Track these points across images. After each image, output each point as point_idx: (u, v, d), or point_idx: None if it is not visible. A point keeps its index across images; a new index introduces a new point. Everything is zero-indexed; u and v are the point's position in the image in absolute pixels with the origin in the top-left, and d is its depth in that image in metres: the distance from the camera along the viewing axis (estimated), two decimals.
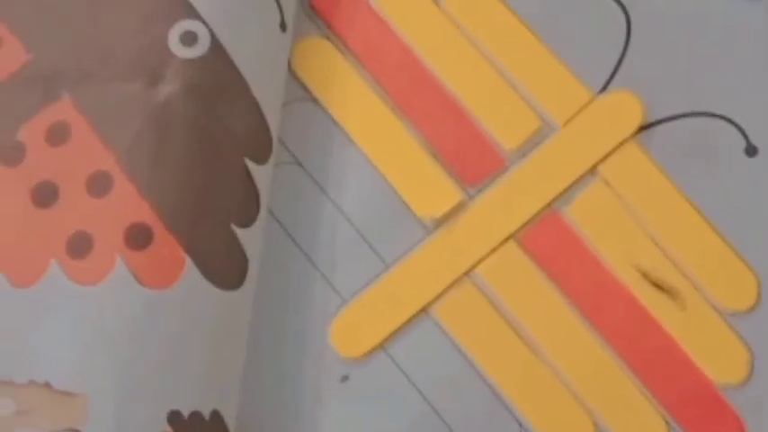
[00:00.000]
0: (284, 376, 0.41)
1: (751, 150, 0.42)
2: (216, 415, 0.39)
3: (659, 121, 0.42)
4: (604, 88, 0.43)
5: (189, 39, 0.40)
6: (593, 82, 0.43)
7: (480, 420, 0.40)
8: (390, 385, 0.40)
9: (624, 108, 0.42)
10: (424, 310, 0.41)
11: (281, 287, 0.41)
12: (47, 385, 0.38)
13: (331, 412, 0.40)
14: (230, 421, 0.39)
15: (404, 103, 0.43)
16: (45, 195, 0.40)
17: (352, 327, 0.41)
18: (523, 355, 0.41)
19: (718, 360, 0.40)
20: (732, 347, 0.40)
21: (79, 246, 0.40)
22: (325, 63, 0.44)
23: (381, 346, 0.41)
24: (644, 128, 0.42)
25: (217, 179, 0.40)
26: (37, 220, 0.40)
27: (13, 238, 0.40)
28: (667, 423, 0.40)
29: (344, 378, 0.41)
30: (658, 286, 0.41)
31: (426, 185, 0.42)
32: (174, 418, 0.38)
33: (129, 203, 0.40)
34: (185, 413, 0.38)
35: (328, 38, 0.44)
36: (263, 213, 0.41)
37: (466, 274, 0.41)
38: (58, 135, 0.41)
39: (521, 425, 0.40)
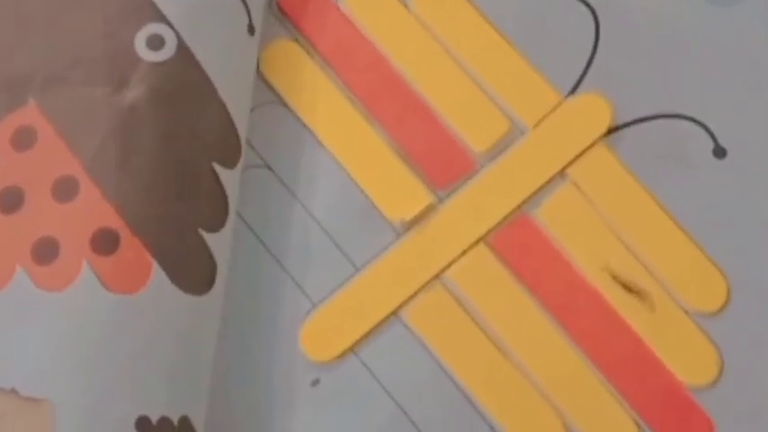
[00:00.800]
0: (254, 380, 0.40)
1: (719, 152, 0.42)
2: (185, 421, 0.38)
3: (628, 124, 0.42)
4: (573, 91, 0.43)
5: (156, 42, 0.40)
6: (563, 84, 0.43)
7: (451, 423, 0.40)
8: (361, 389, 0.40)
9: (593, 110, 0.42)
10: (394, 313, 0.41)
11: (251, 291, 0.41)
12: (13, 392, 0.38)
13: (302, 417, 0.40)
14: (199, 427, 0.39)
15: (373, 106, 0.43)
16: (10, 201, 0.40)
17: (323, 331, 0.41)
18: (494, 357, 0.41)
19: (687, 361, 0.40)
20: (701, 349, 0.40)
21: (45, 251, 0.39)
22: (294, 66, 0.43)
23: (352, 349, 0.41)
24: (613, 130, 0.42)
25: (184, 184, 0.40)
26: (2, 225, 0.40)
27: None
28: (637, 425, 0.40)
29: (315, 382, 0.40)
30: (628, 288, 0.41)
31: (396, 188, 0.42)
32: (142, 424, 0.38)
33: (95, 208, 0.40)
34: (154, 419, 0.38)
35: (297, 40, 0.44)
36: (231, 217, 0.41)
37: (436, 276, 0.41)
38: (23, 140, 0.41)
39: (492, 428, 0.40)
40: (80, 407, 0.38)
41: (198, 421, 0.39)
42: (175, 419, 0.38)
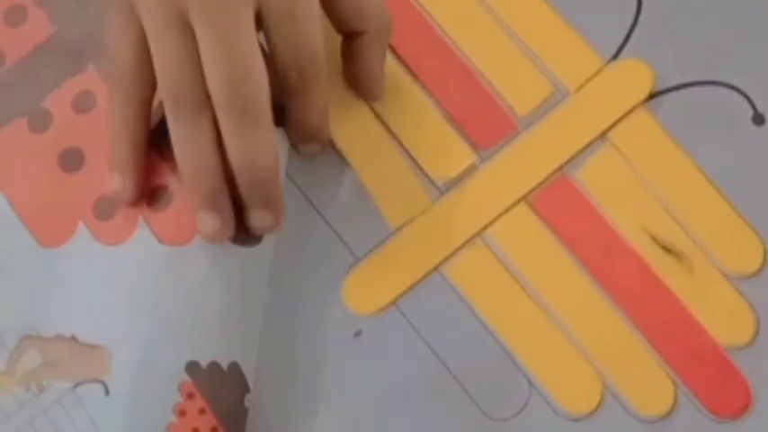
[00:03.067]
0: (300, 331, 0.41)
1: (758, 119, 0.43)
2: (234, 366, 0.40)
3: (669, 90, 0.43)
4: (616, 56, 0.43)
5: None
6: (605, 50, 0.43)
7: (490, 377, 0.41)
8: (403, 341, 0.41)
9: (635, 76, 0.43)
10: (436, 268, 0.42)
11: (297, 245, 0.42)
12: (73, 339, 0.39)
13: (345, 366, 0.41)
14: (249, 374, 0.40)
15: (418, 68, 0.44)
16: (72, 161, 0.42)
17: (366, 284, 0.42)
18: (533, 314, 0.41)
19: (724, 322, 0.41)
20: (738, 309, 0.41)
21: (105, 208, 0.41)
22: None
23: (394, 303, 0.41)
24: (654, 95, 0.43)
25: None
26: (65, 184, 0.41)
27: (42, 200, 0.42)
28: (674, 383, 0.40)
29: (358, 333, 0.41)
30: (667, 249, 0.42)
31: (440, 148, 0.43)
32: (192, 367, 0.39)
33: (151, 167, 0.41)
34: (203, 363, 0.39)
35: None
36: (282, 174, 0.42)
37: (477, 234, 0.42)
38: (83, 103, 0.42)
39: (530, 382, 0.41)
40: (134, 352, 0.39)
41: (248, 367, 0.40)
42: (225, 365, 0.39)
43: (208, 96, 0.38)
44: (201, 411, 0.39)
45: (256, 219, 0.39)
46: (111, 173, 0.40)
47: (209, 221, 0.39)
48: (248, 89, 0.38)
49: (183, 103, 0.38)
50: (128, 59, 0.39)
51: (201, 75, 0.38)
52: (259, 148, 0.38)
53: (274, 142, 0.39)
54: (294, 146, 0.42)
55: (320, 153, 0.42)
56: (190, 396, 0.39)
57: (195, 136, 0.38)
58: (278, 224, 0.40)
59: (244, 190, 0.39)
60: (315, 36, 0.39)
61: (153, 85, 0.40)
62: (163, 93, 0.38)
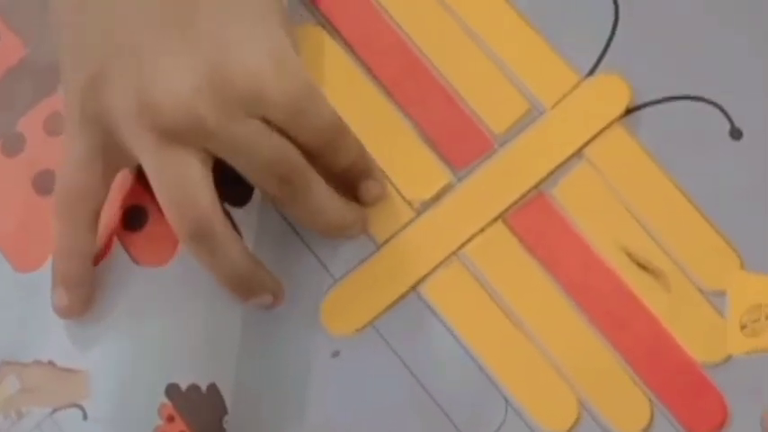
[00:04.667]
0: (277, 352, 0.42)
1: (736, 134, 0.43)
2: (213, 388, 0.40)
3: (646, 104, 0.43)
4: (592, 71, 0.43)
5: None
6: (581, 65, 0.43)
7: (467, 396, 0.41)
8: (380, 362, 0.41)
9: (611, 91, 0.43)
10: (413, 288, 0.42)
11: (274, 266, 0.42)
12: (50, 363, 0.40)
13: (322, 387, 0.41)
14: (227, 395, 0.40)
15: (394, 87, 0.44)
16: (46, 183, 0.42)
17: (343, 305, 0.42)
18: (510, 333, 0.41)
19: (700, 339, 0.41)
20: (715, 327, 0.41)
21: None
22: (319, 49, 0.44)
23: (371, 323, 0.42)
24: (630, 111, 0.43)
25: None
26: (40, 207, 0.42)
27: (17, 224, 0.42)
28: (650, 400, 0.40)
29: (336, 354, 0.42)
30: (643, 267, 0.42)
31: (415, 168, 0.43)
32: (172, 390, 0.39)
33: (126, 187, 0.41)
34: (183, 386, 0.40)
35: (322, 25, 0.45)
36: (257, 194, 0.42)
37: (454, 253, 0.42)
38: (55, 126, 0.43)
39: (507, 401, 0.41)
40: (113, 376, 0.39)
41: (226, 388, 0.40)
42: (204, 386, 0.40)
43: None
44: None
45: (258, 303, 0.41)
46: (55, 288, 0.40)
47: (261, 302, 0.41)
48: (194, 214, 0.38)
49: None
50: (84, 173, 0.39)
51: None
52: (223, 264, 0.39)
53: (237, 254, 0.39)
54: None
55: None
56: (170, 419, 0.39)
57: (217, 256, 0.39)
58: (280, 300, 0.41)
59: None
60: (328, 110, 0.40)
61: (104, 198, 0.40)
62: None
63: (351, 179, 0.41)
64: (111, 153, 0.39)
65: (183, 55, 0.37)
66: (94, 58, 0.38)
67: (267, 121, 0.38)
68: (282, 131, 0.39)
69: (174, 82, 0.37)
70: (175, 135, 0.37)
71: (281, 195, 0.39)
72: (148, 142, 0.38)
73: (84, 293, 0.40)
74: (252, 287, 0.40)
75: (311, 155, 0.40)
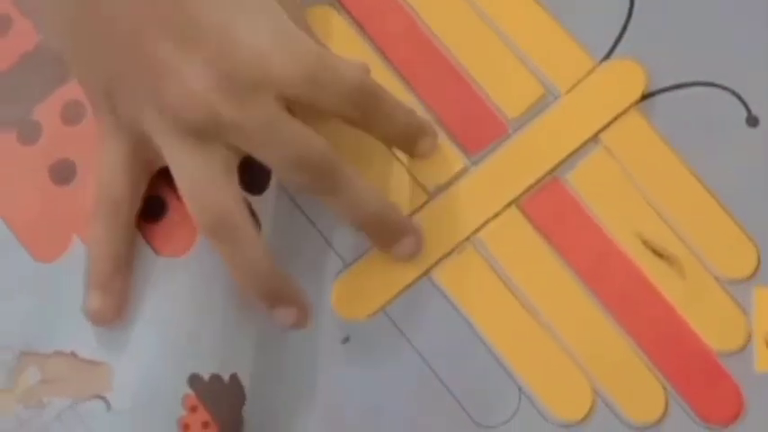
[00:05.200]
0: (288, 337, 0.41)
1: (752, 121, 0.42)
2: (234, 377, 0.40)
3: (661, 90, 0.43)
4: (607, 56, 0.43)
5: None
6: (597, 50, 0.43)
7: (480, 383, 0.40)
8: (391, 347, 0.41)
9: (627, 76, 0.43)
10: (425, 273, 0.41)
11: (287, 251, 0.42)
12: (72, 354, 0.39)
13: (333, 373, 0.41)
14: (246, 383, 0.40)
15: (408, 72, 0.43)
16: (63, 173, 0.42)
17: (354, 290, 0.41)
18: (523, 319, 0.41)
19: (716, 327, 0.40)
20: (731, 315, 0.41)
21: None
22: (331, 32, 0.44)
23: (383, 309, 0.41)
24: (646, 96, 0.43)
25: None
26: (57, 197, 0.41)
27: (35, 214, 0.41)
28: (665, 389, 0.40)
29: (346, 339, 0.41)
30: (659, 254, 0.41)
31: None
32: (194, 380, 0.39)
33: None
34: (206, 376, 0.39)
35: (334, 7, 0.44)
36: (273, 181, 0.42)
37: (467, 238, 0.42)
38: (72, 114, 0.42)
39: (520, 389, 0.40)
40: (135, 367, 0.39)
41: (245, 377, 0.40)
42: (226, 376, 0.39)
43: None
44: (205, 424, 0.39)
45: (280, 316, 0.40)
46: (90, 291, 0.39)
47: (284, 316, 0.40)
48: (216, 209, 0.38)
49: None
50: (121, 179, 0.39)
51: None
52: (247, 265, 0.38)
53: (259, 251, 0.39)
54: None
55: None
56: (193, 409, 0.39)
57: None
58: (305, 320, 0.40)
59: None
60: (349, 73, 0.39)
61: (139, 202, 0.40)
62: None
63: (410, 140, 0.41)
64: (145, 155, 0.39)
65: (190, 54, 0.37)
66: (105, 69, 0.39)
67: (292, 105, 0.38)
68: (312, 109, 0.38)
69: (186, 84, 0.37)
70: (198, 134, 0.38)
71: (313, 188, 0.39)
72: (173, 140, 0.38)
73: (118, 300, 0.39)
74: (273, 291, 0.39)
75: (358, 126, 0.40)
